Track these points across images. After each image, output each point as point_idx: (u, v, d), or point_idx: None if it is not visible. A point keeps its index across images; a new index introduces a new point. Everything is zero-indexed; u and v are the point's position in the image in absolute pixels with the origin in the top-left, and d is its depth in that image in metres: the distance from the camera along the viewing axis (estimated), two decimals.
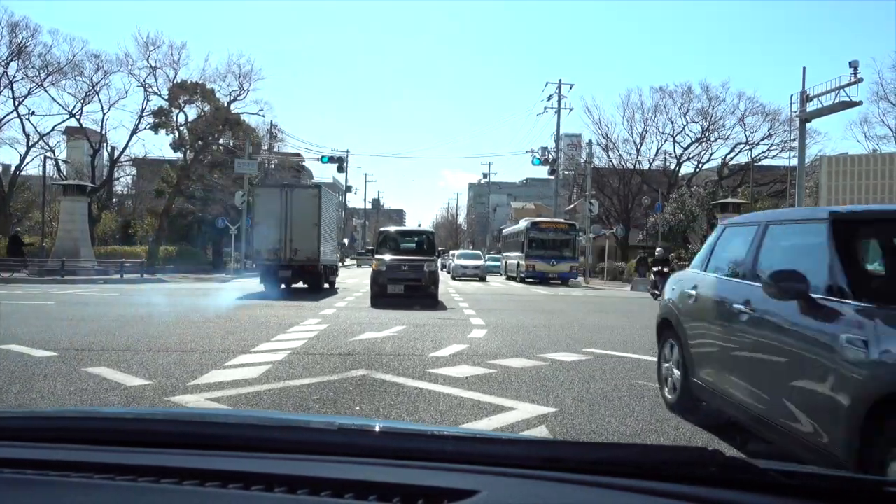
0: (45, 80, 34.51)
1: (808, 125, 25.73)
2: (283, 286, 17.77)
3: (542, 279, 28.65)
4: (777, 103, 50.25)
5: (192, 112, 38.37)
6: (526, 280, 29.13)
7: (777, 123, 40.80)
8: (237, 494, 0.93)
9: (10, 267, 24.74)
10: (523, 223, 32.65)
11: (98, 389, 5.32)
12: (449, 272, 36.27)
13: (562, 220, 34.54)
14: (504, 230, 41.00)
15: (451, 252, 42.88)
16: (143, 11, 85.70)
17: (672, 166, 43.93)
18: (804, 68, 24.70)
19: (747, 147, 42.77)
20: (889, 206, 12.40)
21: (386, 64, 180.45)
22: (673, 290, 5.24)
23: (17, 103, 34.75)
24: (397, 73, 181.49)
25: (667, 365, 5.09)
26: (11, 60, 33.58)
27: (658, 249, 22.69)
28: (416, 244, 16.77)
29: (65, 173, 39.74)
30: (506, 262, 35.70)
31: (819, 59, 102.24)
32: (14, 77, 34.09)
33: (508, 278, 33.60)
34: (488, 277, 32.99)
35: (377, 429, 1.25)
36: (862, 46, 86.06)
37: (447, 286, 21.12)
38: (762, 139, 42.33)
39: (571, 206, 48.13)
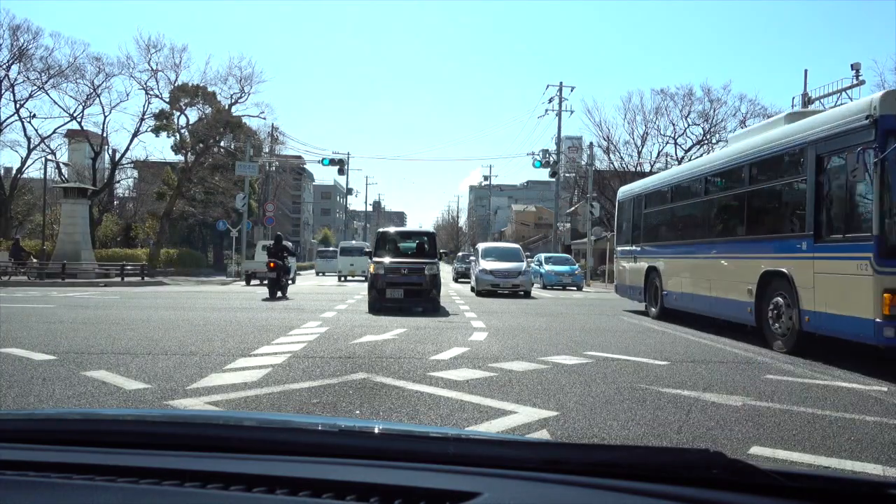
0: (46, 82, 34.66)
1: None
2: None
3: None
4: (779, 106, 50.24)
5: (193, 115, 38.51)
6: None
7: None
8: (239, 496, 0.93)
9: (9, 270, 24.77)
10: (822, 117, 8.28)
11: (97, 393, 5.31)
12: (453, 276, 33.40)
13: None
14: (633, 188, 16.21)
15: (480, 246, 24.23)
16: (145, 14, 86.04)
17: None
18: (805, 71, 24.85)
19: None
20: None
21: (387, 67, 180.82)
22: None
23: (18, 106, 34.94)
24: (399, 76, 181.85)
25: None
26: (13, 63, 33.72)
27: None
28: (416, 246, 16.04)
29: (66, 176, 39.81)
30: (655, 276, 13.29)
31: (821, 61, 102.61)
32: (15, 80, 34.28)
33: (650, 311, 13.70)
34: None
35: (378, 430, 1.25)
36: (864, 49, 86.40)
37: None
38: None
39: (573, 208, 48.22)
